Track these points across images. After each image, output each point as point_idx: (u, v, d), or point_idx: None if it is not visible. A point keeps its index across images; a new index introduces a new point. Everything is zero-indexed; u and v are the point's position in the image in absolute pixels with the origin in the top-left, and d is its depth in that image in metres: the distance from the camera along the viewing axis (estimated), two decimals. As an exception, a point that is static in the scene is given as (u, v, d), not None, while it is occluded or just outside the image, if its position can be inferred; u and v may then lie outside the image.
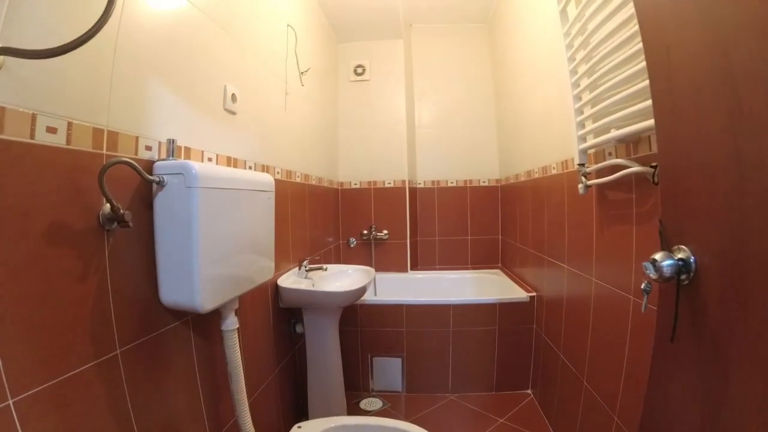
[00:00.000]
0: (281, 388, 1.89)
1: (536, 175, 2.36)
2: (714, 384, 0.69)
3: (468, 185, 3.44)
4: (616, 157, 1.45)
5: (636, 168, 1.26)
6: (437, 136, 3.47)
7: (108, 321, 0.89)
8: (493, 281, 3.01)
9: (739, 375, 0.63)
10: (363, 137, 3.29)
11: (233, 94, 1.46)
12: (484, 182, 3.43)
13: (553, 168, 2.06)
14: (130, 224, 0.88)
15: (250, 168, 1.60)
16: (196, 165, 0.97)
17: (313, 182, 2.52)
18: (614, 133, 1.33)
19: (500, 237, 3.41)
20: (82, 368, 0.81)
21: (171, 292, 1.00)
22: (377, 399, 2.43)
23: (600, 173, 1.51)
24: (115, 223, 0.88)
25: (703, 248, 0.72)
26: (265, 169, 1.75)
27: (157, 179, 0.96)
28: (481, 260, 3.42)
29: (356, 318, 2.45)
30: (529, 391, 2.46)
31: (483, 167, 3.42)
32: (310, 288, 1.82)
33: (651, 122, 1.03)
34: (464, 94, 3.46)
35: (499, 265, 3.39)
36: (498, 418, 2.23)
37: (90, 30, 0.67)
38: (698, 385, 0.74)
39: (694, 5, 0.71)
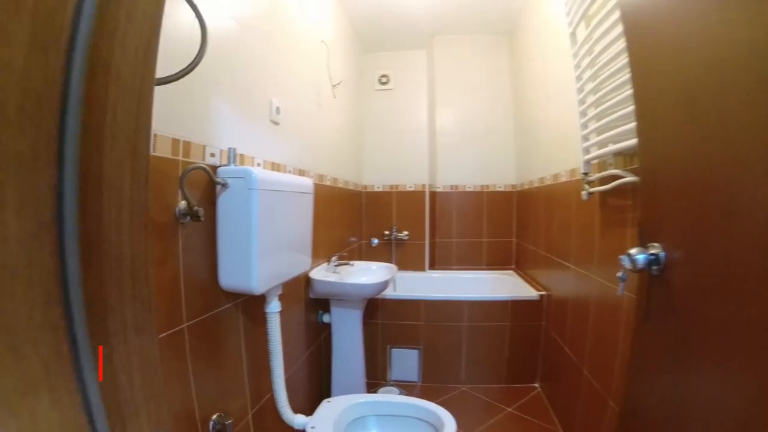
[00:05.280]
0: (309, 371, 2.09)
1: (548, 182, 2.52)
2: (680, 354, 0.85)
3: (485, 190, 3.61)
4: (615, 168, 1.61)
5: (630, 178, 1.43)
6: (457, 142, 3.65)
7: (179, 299, 1.09)
8: (507, 281, 3.17)
9: (699, 346, 0.80)
10: (386, 143, 3.49)
11: (277, 107, 1.67)
12: (500, 187, 3.59)
13: (563, 176, 2.22)
14: (202, 219, 1.09)
15: (290, 172, 1.80)
16: (255, 170, 1.18)
17: (341, 185, 2.73)
18: (612, 147, 1.50)
19: (514, 240, 3.57)
20: (159, 337, 1.01)
21: (229, 278, 1.21)
22: (394, 388, 2.61)
23: (602, 182, 1.67)
24: (188, 218, 1.09)
25: (671, 245, 0.89)
26: (301, 173, 1.95)
27: (222, 182, 1.17)
28: (495, 261, 3.58)
29: (377, 311, 2.64)
30: (536, 385, 2.62)
31: (500, 173, 3.59)
32: (339, 280, 2.02)
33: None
34: (484, 102, 3.63)
35: (513, 266, 3.54)
36: (506, 407, 2.40)
37: (191, 64, 0.88)
38: (667, 354, 0.91)
39: (670, 47, 0.88)
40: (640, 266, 0.91)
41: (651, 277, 0.93)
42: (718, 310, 0.73)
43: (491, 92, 3.63)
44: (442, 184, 3.67)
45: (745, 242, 0.65)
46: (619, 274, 1.18)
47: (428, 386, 2.64)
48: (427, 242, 3.45)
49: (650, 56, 0.97)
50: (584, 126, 1.75)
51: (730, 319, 0.70)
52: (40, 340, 0.22)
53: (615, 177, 1.52)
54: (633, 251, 0.92)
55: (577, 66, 1.81)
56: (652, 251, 0.91)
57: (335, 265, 2.17)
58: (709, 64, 0.73)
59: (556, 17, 2.25)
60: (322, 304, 2.19)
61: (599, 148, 1.64)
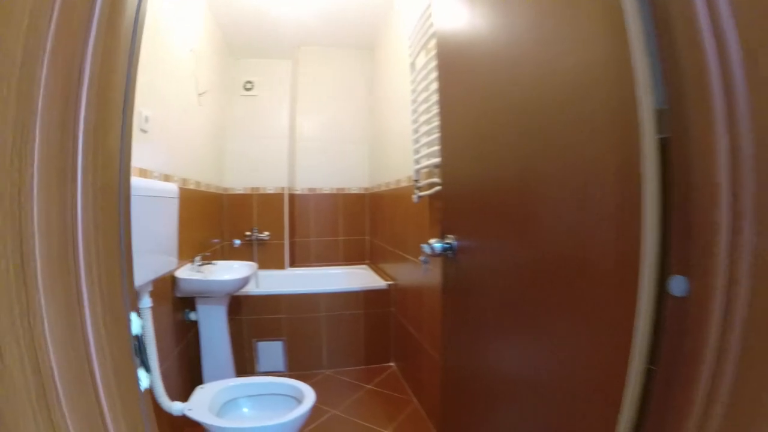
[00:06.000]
0: (181, 366, 2.17)
1: (393, 186, 2.93)
2: (468, 315, 1.23)
3: (340, 192, 3.95)
4: (437, 177, 2.02)
5: (445, 185, 1.84)
6: (316, 147, 3.91)
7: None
8: (361, 274, 3.55)
9: (477, 308, 1.17)
10: (248, 147, 3.62)
11: (146, 116, 1.76)
12: (354, 190, 3.96)
13: (403, 181, 2.63)
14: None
15: (156, 177, 1.89)
16: (127, 180, 1.31)
17: (203, 188, 2.81)
18: (433, 161, 1.90)
19: (368, 237, 3.97)
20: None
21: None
22: (260, 378, 2.79)
23: (429, 187, 2.08)
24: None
25: (460, 237, 1.27)
26: (167, 177, 2.04)
27: (95, 190, 1.28)
28: (351, 258, 3.95)
29: (241, 308, 2.79)
30: (391, 363, 3.02)
31: (354, 177, 3.95)
32: (203, 278, 2.15)
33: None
34: (343, 111, 3.94)
35: (368, 261, 3.94)
36: (366, 385, 2.74)
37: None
38: (460, 318, 1.28)
39: (464, 96, 1.26)
40: (438, 252, 1.27)
41: (447, 260, 1.31)
42: (485, 287, 1.11)
43: (351, 102, 3.96)
44: (301, 186, 3.91)
45: (501, 238, 1.02)
46: (421, 258, 1.58)
47: (294, 374, 2.85)
48: (287, 242, 3.67)
49: (449, 101, 1.35)
50: (416, 141, 2.14)
51: (492, 293, 1.07)
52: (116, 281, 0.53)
53: (436, 184, 1.92)
54: (432, 241, 1.28)
55: (414, 90, 2.20)
56: (448, 241, 1.28)
57: (199, 265, 2.29)
58: (482, 116, 1.11)
59: (404, 42, 2.51)
60: (188, 303, 2.29)
61: (428, 160, 2.04)
